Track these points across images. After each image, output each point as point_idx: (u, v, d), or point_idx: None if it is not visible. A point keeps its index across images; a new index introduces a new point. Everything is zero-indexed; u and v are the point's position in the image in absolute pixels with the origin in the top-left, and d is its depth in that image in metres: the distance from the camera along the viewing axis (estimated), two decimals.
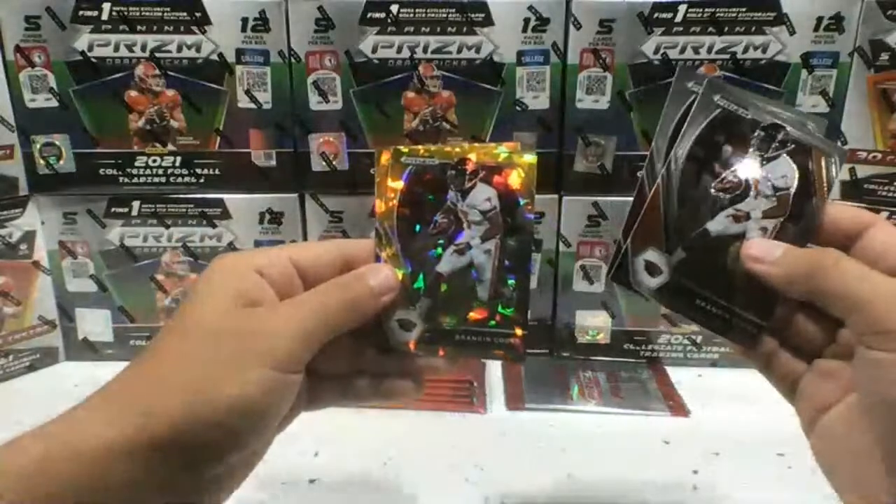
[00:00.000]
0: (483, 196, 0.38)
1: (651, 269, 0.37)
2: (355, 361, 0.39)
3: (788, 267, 0.35)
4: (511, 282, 0.38)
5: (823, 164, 0.36)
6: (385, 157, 0.39)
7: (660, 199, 0.37)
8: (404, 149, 0.39)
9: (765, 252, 0.35)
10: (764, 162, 0.36)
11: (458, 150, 0.39)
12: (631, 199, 0.38)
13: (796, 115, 0.37)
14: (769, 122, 0.36)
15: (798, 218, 0.36)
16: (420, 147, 0.39)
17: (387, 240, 0.39)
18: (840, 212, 0.36)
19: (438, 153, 0.39)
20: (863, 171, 0.65)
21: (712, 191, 0.36)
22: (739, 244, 0.36)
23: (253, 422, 0.33)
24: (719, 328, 0.37)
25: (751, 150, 0.36)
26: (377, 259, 0.38)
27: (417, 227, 0.38)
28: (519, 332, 0.38)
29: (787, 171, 0.36)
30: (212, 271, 0.35)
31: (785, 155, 0.36)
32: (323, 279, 0.37)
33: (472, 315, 0.38)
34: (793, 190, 0.36)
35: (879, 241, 0.34)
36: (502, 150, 0.38)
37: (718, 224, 0.36)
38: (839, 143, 0.37)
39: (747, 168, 0.36)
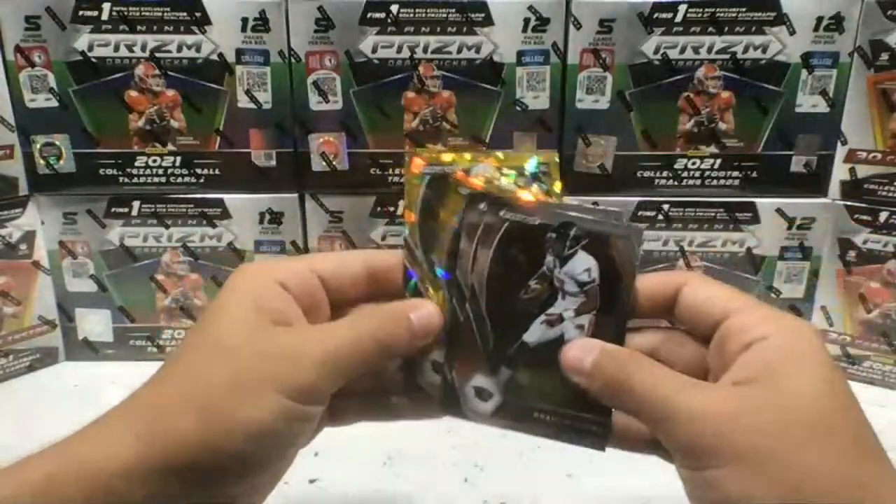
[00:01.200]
0: (583, 266, 0.35)
1: (481, 394, 0.36)
2: (379, 377, 0.37)
3: (599, 381, 0.33)
4: None
5: (622, 246, 0.35)
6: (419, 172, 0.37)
7: (472, 324, 0.36)
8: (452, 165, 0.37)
9: (578, 359, 0.33)
10: (563, 262, 0.35)
11: (481, 156, 0.38)
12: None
13: (588, 208, 0.36)
14: (558, 222, 0.35)
15: (610, 307, 0.35)
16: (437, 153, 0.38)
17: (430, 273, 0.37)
18: (651, 281, 0.35)
19: (459, 159, 0.38)
20: (863, 171, 0.65)
21: (520, 303, 0.36)
22: (561, 348, 0.35)
23: (269, 449, 0.31)
24: (566, 437, 0.36)
25: (547, 254, 0.35)
26: (406, 272, 0.37)
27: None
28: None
29: (587, 265, 0.35)
30: (233, 284, 0.34)
31: (581, 250, 0.35)
32: (347, 292, 0.36)
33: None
34: (597, 282, 0.35)
35: (696, 299, 0.34)
36: (533, 160, 0.38)
37: (535, 333, 0.36)
38: (633, 223, 0.36)
39: (548, 272, 0.36)
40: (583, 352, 0.34)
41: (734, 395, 0.30)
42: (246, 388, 0.30)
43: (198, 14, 0.63)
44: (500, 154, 0.38)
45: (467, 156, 0.38)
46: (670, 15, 0.62)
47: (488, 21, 0.62)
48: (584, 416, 0.35)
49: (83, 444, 0.30)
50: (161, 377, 0.32)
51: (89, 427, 0.31)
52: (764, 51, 0.63)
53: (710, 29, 0.62)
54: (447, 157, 0.38)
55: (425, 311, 0.35)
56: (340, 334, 0.33)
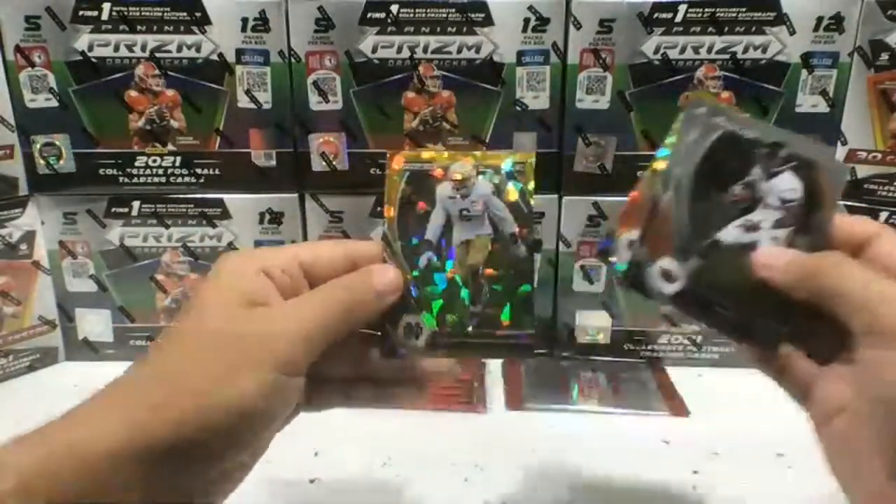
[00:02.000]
0: (788, 185, 0.38)
1: (667, 276, 0.38)
2: (357, 365, 0.39)
3: (794, 270, 0.35)
4: None
5: (828, 179, 0.37)
6: None
7: (672, 211, 0.38)
8: None
9: (774, 257, 0.36)
10: (770, 177, 0.37)
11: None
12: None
13: (798, 136, 0.38)
14: (772, 140, 0.38)
15: (807, 229, 0.37)
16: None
17: (391, 246, 0.39)
18: (847, 223, 0.37)
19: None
20: (863, 171, 0.65)
21: (721, 203, 0.38)
22: (752, 253, 0.37)
23: (254, 424, 0.33)
24: (738, 334, 0.38)
25: (755, 166, 0.38)
26: (383, 262, 0.38)
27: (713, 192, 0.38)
28: (778, 327, 0.37)
29: (792, 185, 0.37)
30: (217, 272, 0.35)
31: (789, 170, 0.37)
32: (328, 279, 0.37)
33: (737, 295, 0.38)
34: (800, 202, 0.37)
35: (886, 250, 0.35)
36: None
37: (730, 234, 0.38)
38: (843, 161, 0.39)
39: (753, 182, 0.38)
40: (778, 252, 0.36)
41: None
42: (227, 367, 0.32)
43: (198, 14, 0.63)
44: (477, 153, 0.40)
45: (445, 154, 0.40)
46: (670, 15, 0.62)
47: (488, 21, 0.62)
48: (759, 320, 0.37)
49: (72, 429, 0.31)
50: (145, 362, 0.33)
51: (76, 411, 0.32)
52: (764, 51, 0.63)
53: (710, 29, 0.62)
54: (426, 154, 0.40)
55: (387, 274, 0.37)
56: (311, 303, 0.35)
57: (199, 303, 0.34)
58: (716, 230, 0.38)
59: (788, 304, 0.36)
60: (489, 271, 0.39)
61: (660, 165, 0.39)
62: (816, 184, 0.37)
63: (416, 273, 0.39)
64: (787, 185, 0.37)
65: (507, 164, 0.40)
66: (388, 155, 0.40)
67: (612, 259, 0.39)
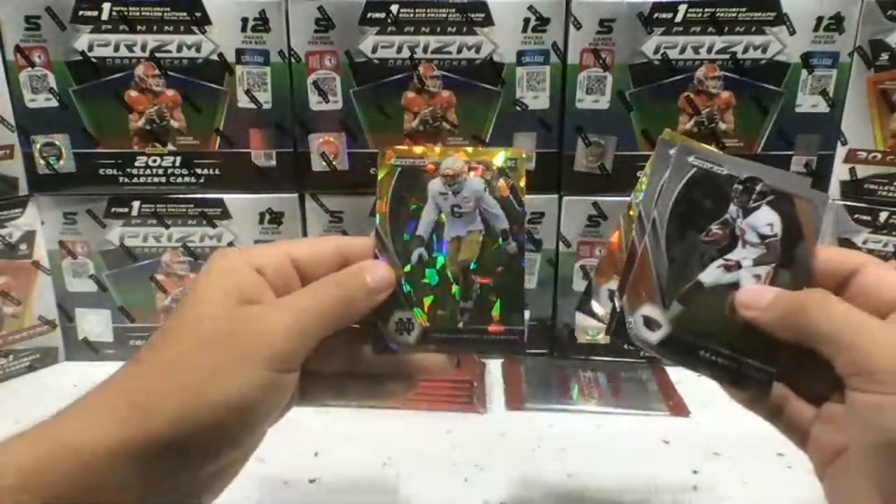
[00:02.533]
0: (766, 220, 0.37)
1: (650, 323, 0.37)
2: (349, 360, 0.39)
3: (777, 310, 0.35)
4: None
5: (807, 209, 0.37)
6: None
7: (649, 256, 0.37)
8: None
9: (756, 297, 0.36)
10: (747, 213, 0.37)
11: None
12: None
13: (773, 169, 0.38)
14: (746, 175, 0.37)
15: (790, 264, 0.37)
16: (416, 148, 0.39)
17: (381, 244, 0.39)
18: (831, 255, 0.36)
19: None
20: (863, 171, 0.65)
21: (700, 244, 0.37)
22: (734, 293, 0.37)
23: (248, 421, 0.33)
24: (728, 378, 0.37)
25: (731, 203, 0.37)
26: (375, 257, 0.38)
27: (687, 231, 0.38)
28: (769, 368, 0.36)
29: (770, 219, 0.37)
30: (209, 269, 0.35)
31: (766, 205, 0.37)
32: (321, 276, 0.37)
33: (723, 337, 0.37)
34: (779, 236, 0.37)
35: (872, 282, 0.34)
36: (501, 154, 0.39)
37: (710, 275, 0.37)
38: (819, 191, 0.38)
39: (730, 219, 0.37)
40: (760, 291, 0.36)
41: None
42: (223, 364, 0.32)
43: (198, 14, 0.63)
44: (468, 149, 0.40)
45: (437, 150, 0.40)
46: (670, 15, 0.62)
47: (488, 21, 0.62)
48: (749, 362, 0.36)
49: (67, 426, 0.31)
50: (140, 360, 0.34)
51: (71, 408, 0.32)
52: (764, 51, 0.63)
53: (710, 29, 0.62)
54: (418, 149, 0.40)
55: (378, 268, 0.37)
56: (304, 299, 0.35)
57: (192, 300, 0.34)
58: (696, 272, 0.37)
59: (776, 344, 0.35)
60: (481, 279, 0.39)
61: (634, 211, 0.38)
62: (795, 216, 0.37)
63: (407, 268, 0.39)
64: (765, 220, 0.37)
65: (499, 160, 0.40)
66: (379, 153, 0.40)
67: (596, 312, 0.39)
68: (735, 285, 0.37)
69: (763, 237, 0.37)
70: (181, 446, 0.31)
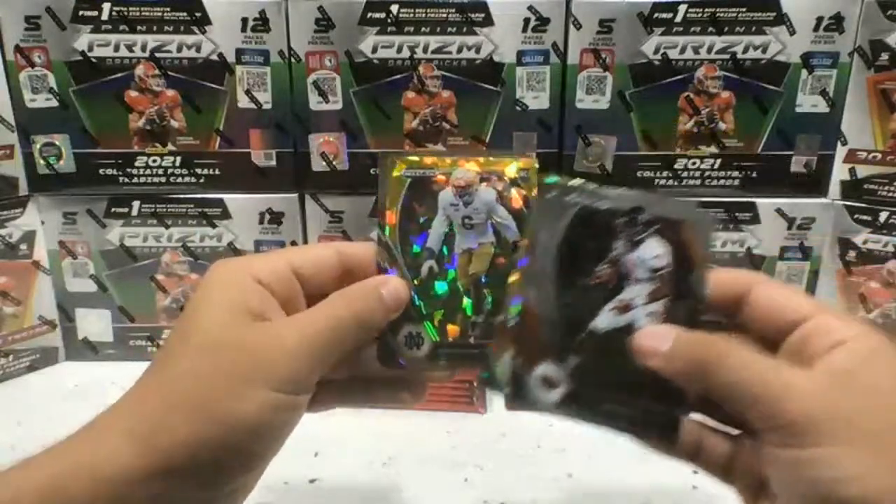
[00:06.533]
0: (654, 252, 0.35)
1: (548, 382, 0.35)
2: (355, 367, 0.38)
3: (680, 363, 0.32)
4: None
5: (695, 234, 0.34)
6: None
7: (539, 310, 0.35)
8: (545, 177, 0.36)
9: (655, 344, 0.33)
10: (633, 247, 0.35)
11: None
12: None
13: (657, 196, 0.36)
14: (629, 206, 0.35)
15: (683, 294, 0.34)
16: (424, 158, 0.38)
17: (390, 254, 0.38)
18: (723, 278, 0.35)
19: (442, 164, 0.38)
20: (863, 171, 0.65)
21: (589, 288, 0.35)
22: (631, 336, 0.34)
23: (261, 442, 0.32)
24: (633, 429, 0.35)
25: (617, 239, 0.35)
26: (385, 272, 0.37)
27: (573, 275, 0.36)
28: (676, 412, 0.35)
29: (658, 251, 0.34)
30: (209, 281, 0.34)
31: (652, 235, 0.34)
32: (323, 284, 0.36)
33: (624, 385, 0.35)
34: (670, 268, 0.34)
35: (763, 302, 0.34)
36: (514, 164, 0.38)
37: (603, 321, 0.35)
38: (705, 210, 0.36)
39: (618, 257, 0.35)
40: (658, 336, 0.33)
41: (836, 381, 0.30)
42: (236, 385, 0.31)
43: (198, 14, 0.63)
44: (480, 159, 0.39)
45: (448, 160, 0.39)
46: (670, 15, 0.62)
47: (488, 21, 0.62)
48: (654, 409, 0.34)
49: (82, 448, 0.31)
50: (151, 379, 0.33)
51: (86, 430, 0.31)
52: (764, 51, 0.63)
53: (710, 29, 0.62)
54: (428, 159, 0.38)
55: (393, 285, 0.36)
56: (318, 319, 0.34)
57: (196, 314, 0.33)
58: (589, 320, 0.35)
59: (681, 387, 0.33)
60: (492, 292, 0.38)
61: (519, 271, 0.36)
62: (683, 243, 0.34)
63: (417, 281, 0.38)
64: (653, 251, 0.34)
65: (511, 171, 0.38)
66: (382, 157, 0.38)
67: (501, 388, 0.36)
68: (630, 328, 0.34)
69: (653, 270, 0.34)
70: (194, 470, 0.30)
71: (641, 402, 0.34)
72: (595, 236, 0.35)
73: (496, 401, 0.65)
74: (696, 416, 0.35)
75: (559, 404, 0.35)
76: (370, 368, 0.38)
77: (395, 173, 0.38)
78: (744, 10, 0.61)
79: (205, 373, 0.32)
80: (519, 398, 0.35)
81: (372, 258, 0.38)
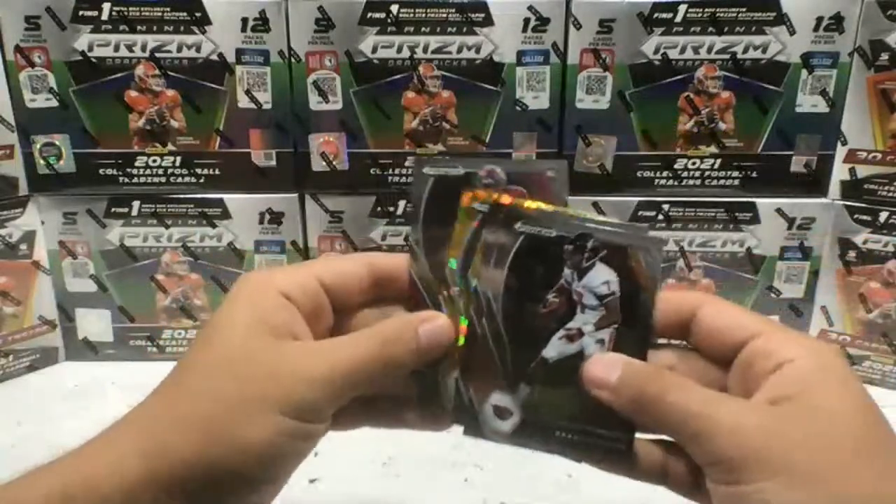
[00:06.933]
0: (602, 279, 0.34)
1: (500, 412, 0.35)
2: (387, 387, 0.36)
3: (627, 397, 0.32)
4: None
5: (642, 259, 0.34)
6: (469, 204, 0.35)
7: (489, 340, 0.35)
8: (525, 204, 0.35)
9: (604, 374, 0.33)
10: (581, 274, 0.34)
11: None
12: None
13: (607, 220, 0.35)
14: (575, 233, 0.34)
15: (631, 320, 0.34)
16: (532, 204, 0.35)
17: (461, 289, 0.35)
18: (670, 300, 0.34)
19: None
20: (863, 171, 0.65)
21: (538, 316, 0.35)
22: (582, 363, 0.34)
23: (272, 467, 0.31)
24: (588, 456, 0.35)
25: (565, 267, 0.34)
26: (412, 281, 0.36)
27: (523, 302, 0.35)
28: (627, 436, 0.34)
29: (606, 277, 0.34)
30: (233, 296, 0.34)
31: (599, 262, 0.34)
32: (351, 297, 0.35)
33: (576, 412, 0.34)
34: (617, 294, 0.34)
35: (709, 322, 0.33)
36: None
37: (554, 348, 0.34)
38: (654, 235, 0.35)
39: (566, 285, 0.35)
40: (606, 367, 0.33)
41: (774, 411, 0.30)
42: (249, 408, 0.30)
43: (198, 14, 0.63)
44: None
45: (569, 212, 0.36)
46: (670, 15, 0.62)
47: (488, 21, 0.62)
48: (606, 434, 0.34)
49: (91, 460, 0.30)
50: (165, 392, 0.32)
51: (96, 441, 0.31)
52: (764, 51, 0.63)
53: (710, 29, 0.62)
54: (531, 204, 0.35)
55: (435, 325, 0.34)
56: (346, 351, 0.32)
57: (219, 330, 0.32)
58: (539, 348, 0.34)
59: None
60: None
61: (460, 289, 0.35)
62: (630, 269, 0.34)
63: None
64: (600, 279, 0.34)
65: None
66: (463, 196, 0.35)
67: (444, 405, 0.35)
68: (581, 354, 0.34)
69: (601, 297, 0.34)
70: (201, 487, 0.30)
71: (594, 429, 0.34)
72: (543, 264, 0.35)
73: None
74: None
75: (512, 434, 0.35)
76: (398, 388, 0.36)
77: (465, 203, 0.35)
78: (744, 10, 0.61)
79: (222, 395, 0.31)
80: (471, 426, 0.35)
81: (402, 269, 0.36)
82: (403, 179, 0.67)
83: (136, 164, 0.67)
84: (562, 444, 0.35)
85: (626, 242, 0.34)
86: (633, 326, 0.34)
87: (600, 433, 0.34)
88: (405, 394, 0.36)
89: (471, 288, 0.35)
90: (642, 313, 0.34)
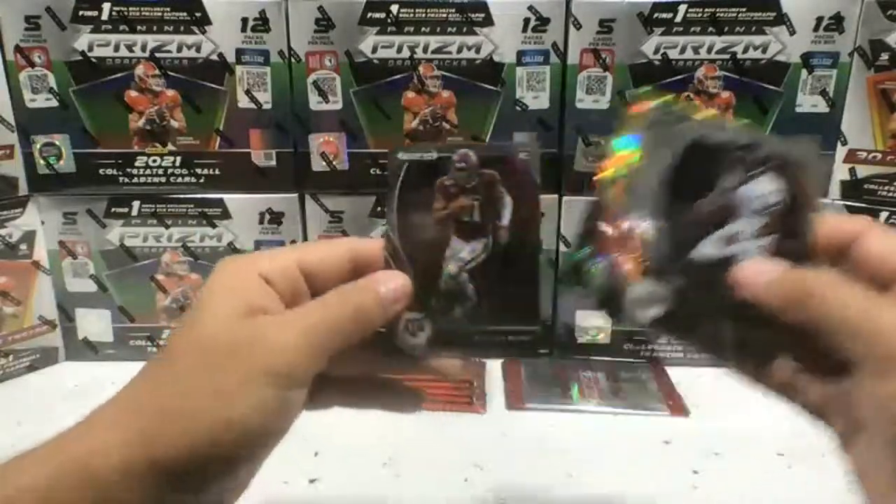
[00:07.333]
0: (768, 188, 0.34)
1: (647, 300, 0.36)
2: (360, 364, 0.37)
3: (781, 292, 0.33)
4: None
5: (809, 175, 0.35)
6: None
7: (644, 230, 0.36)
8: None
9: (756, 275, 0.33)
10: (746, 181, 0.35)
11: None
12: None
13: (769, 136, 0.36)
14: (744, 141, 0.35)
15: (792, 234, 0.34)
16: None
17: None
18: (832, 222, 0.35)
19: None
20: (863, 171, 0.65)
21: (697, 216, 0.35)
22: (735, 266, 0.34)
23: (256, 442, 0.32)
24: (725, 353, 0.35)
25: (730, 172, 0.35)
26: (386, 262, 0.37)
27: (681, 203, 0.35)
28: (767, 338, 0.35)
29: (772, 187, 0.34)
30: (215, 279, 0.34)
31: (768, 172, 0.35)
32: (332, 282, 0.36)
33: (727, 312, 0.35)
34: (782, 206, 0.34)
35: (874, 250, 0.33)
36: None
37: (709, 248, 0.35)
38: (823, 156, 0.36)
39: (730, 189, 0.35)
40: (762, 267, 0.33)
41: None
42: (225, 384, 0.31)
43: (198, 14, 0.63)
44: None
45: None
46: (670, 15, 0.62)
47: (488, 21, 0.62)
48: (750, 335, 0.34)
49: (78, 444, 0.30)
50: (146, 377, 0.33)
51: (80, 427, 0.31)
52: (764, 51, 0.63)
53: (710, 29, 0.62)
54: (704, 111, 0.36)
55: (394, 282, 0.35)
56: (313, 314, 0.33)
57: (197, 312, 0.33)
58: (694, 246, 0.35)
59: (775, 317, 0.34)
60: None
61: (622, 180, 0.36)
62: (798, 183, 0.34)
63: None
64: (768, 188, 0.34)
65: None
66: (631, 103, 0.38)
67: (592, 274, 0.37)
68: (736, 258, 0.34)
69: (765, 206, 0.34)
70: (186, 470, 0.30)
71: (738, 330, 0.35)
72: (707, 166, 0.35)
73: (496, 401, 0.65)
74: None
75: (656, 322, 0.35)
76: (372, 367, 0.38)
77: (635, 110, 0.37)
78: (744, 10, 0.61)
79: (202, 376, 0.31)
80: (613, 308, 0.36)
81: (381, 254, 0.37)
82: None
83: (136, 164, 0.67)
84: (704, 339, 0.36)
85: (797, 156, 0.35)
86: (793, 239, 0.34)
87: (746, 335, 0.35)
88: (376, 374, 0.38)
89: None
90: (803, 227, 0.34)
